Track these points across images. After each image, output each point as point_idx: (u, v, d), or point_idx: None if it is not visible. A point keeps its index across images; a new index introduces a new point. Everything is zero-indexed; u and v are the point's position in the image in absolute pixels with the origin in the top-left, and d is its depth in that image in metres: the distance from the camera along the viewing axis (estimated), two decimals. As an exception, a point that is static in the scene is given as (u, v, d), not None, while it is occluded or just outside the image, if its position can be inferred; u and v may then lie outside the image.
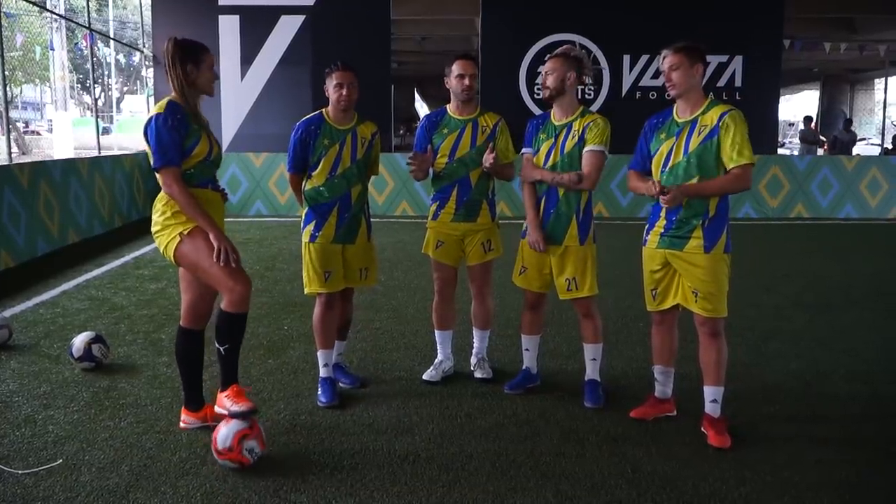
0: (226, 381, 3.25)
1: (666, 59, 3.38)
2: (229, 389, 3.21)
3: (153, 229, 3.31)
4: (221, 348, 3.23)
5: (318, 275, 3.89)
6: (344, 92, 3.80)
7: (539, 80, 3.74)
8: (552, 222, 3.79)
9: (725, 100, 11.25)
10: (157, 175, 3.20)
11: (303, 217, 3.98)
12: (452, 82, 4.00)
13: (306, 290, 3.97)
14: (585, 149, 3.72)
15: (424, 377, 4.19)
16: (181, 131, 3.18)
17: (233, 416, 3.12)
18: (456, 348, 4.40)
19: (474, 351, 4.32)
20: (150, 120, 3.19)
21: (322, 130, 3.84)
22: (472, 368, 4.29)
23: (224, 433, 3.08)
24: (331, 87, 3.82)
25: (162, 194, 3.28)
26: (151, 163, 3.21)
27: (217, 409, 3.24)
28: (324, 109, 3.92)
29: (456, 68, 3.97)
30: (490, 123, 4.05)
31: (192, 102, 3.26)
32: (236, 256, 3.16)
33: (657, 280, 3.55)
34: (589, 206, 3.83)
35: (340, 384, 4.06)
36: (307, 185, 3.93)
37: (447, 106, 4.12)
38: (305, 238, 3.93)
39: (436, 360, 4.28)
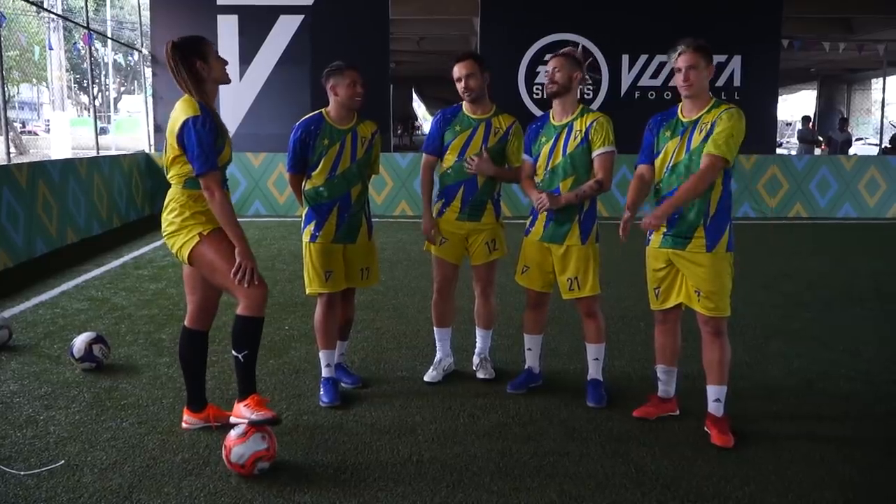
0: (245, 390, 3.16)
1: (683, 57, 3.33)
2: (249, 399, 3.12)
3: (168, 229, 3.22)
4: (240, 356, 3.14)
5: (319, 275, 3.88)
6: (359, 89, 3.80)
7: (545, 76, 3.71)
8: (554, 222, 3.79)
9: (725, 99, 11.28)
10: (202, 179, 3.07)
11: (303, 217, 3.97)
12: (457, 85, 3.97)
13: (307, 291, 3.95)
14: (595, 152, 3.71)
15: (426, 378, 4.18)
16: (215, 133, 3.10)
17: (253, 424, 3.04)
18: (458, 348, 4.40)
19: (477, 351, 4.31)
20: (186, 122, 3.05)
21: (322, 130, 3.82)
22: (474, 368, 4.28)
23: (240, 450, 2.99)
24: (343, 85, 3.78)
25: (175, 193, 3.20)
26: (194, 168, 3.05)
27: (233, 419, 3.14)
28: (324, 109, 3.90)
29: (454, 72, 3.95)
30: (504, 125, 4.02)
31: (211, 100, 3.18)
32: (255, 277, 3.09)
33: (660, 279, 3.55)
34: (592, 206, 3.83)
35: (342, 384, 4.05)
36: (307, 186, 3.92)
37: (462, 103, 4.07)
38: (306, 238, 3.92)
39: (435, 359, 4.26)
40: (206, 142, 3.05)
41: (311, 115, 3.91)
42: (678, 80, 3.37)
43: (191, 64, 3.12)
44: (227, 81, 3.27)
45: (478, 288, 4.22)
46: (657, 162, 3.50)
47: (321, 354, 4.00)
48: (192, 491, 2.94)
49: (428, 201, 4.10)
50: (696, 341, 3.65)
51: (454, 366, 4.31)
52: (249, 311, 3.12)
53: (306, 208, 3.94)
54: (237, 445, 3.01)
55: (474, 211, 4.03)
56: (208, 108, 3.13)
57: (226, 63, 3.26)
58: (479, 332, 4.29)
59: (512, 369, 4.31)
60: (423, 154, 4.12)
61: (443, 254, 4.11)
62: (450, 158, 4.03)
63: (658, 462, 3.23)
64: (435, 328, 4.27)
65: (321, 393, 3.93)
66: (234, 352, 3.17)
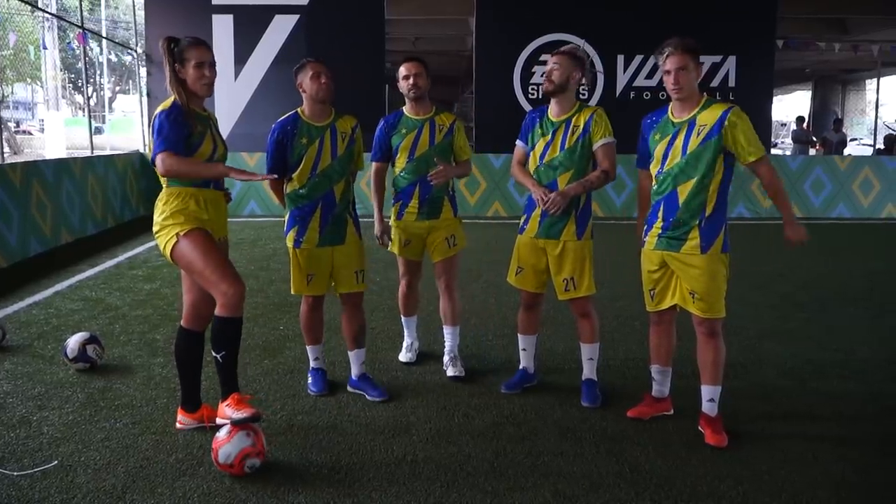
0: (226, 390, 3.19)
1: (671, 59, 3.31)
2: (230, 398, 3.14)
3: (154, 229, 3.28)
4: (218, 356, 3.17)
5: (302, 277, 3.90)
6: (322, 80, 3.76)
7: (543, 73, 3.86)
8: (550, 217, 3.78)
9: (720, 98, 11.32)
10: (156, 163, 3.11)
11: (285, 220, 3.94)
12: (401, 84, 4.15)
13: (292, 290, 4.00)
14: (597, 144, 3.74)
15: (402, 359, 4.48)
16: (185, 127, 3.14)
17: (235, 423, 3.05)
18: (463, 352, 4.40)
19: (447, 349, 4.35)
20: (156, 115, 3.18)
21: (298, 130, 3.78)
22: (443, 367, 4.30)
23: (227, 450, 2.99)
24: (307, 78, 3.76)
25: (162, 194, 3.25)
26: (152, 157, 3.15)
27: (219, 419, 3.15)
28: (299, 109, 3.87)
29: (401, 70, 4.14)
30: (447, 122, 4.22)
31: (189, 102, 3.20)
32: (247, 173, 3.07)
33: (655, 280, 3.55)
34: (588, 201, 3.84)
35: (368, 397, 3.93)
36: (288, 188, 3.88)
37: (403, 108, 4.25)
38: (290, 244, 3.90)
39: (407, 343, 4.55)
40: (166, 128, 3.10)
41: (286, 115, 3.87)
42: (668, 83, 3.36)
43: (171, 64, 3.20)
44: (200, 93, 3.25)
45: (441, 284, 4.31)
46: (651, 166, 3.50)
47: (309, 350, 4.07)
48: (186, 491, 2.93)
49: (379, 207, 4.30)
50: (691, 341, 3.65)
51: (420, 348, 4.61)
52: (226, 310, 3.12)
53: (288, 212, 3.91)
54: (223, 446, 3.01)
55: (432, 209, 4.19)
56: (183, 107, 3.16)
57: (204, 75, 3.21)
58: (446, 330, 4.34)
59: (507, 369, 4.31)
60: (372, 163, 4.27)
61: (409, 254, 4.31)
62: (401, 161, 4.18)
63: (652, 461, 3.24)
64: (403, 317, 4.54)
65: (310, 382, 4.02)
66: (213, 352, 3.19)
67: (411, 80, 4.10)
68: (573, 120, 3.77)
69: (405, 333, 4.56)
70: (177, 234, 3.17)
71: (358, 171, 4.07)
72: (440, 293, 4.35)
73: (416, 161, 4.14)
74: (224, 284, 3.11)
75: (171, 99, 3.20)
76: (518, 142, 3.97)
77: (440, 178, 4.08)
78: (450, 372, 4.23)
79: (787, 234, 3.40)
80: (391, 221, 4.30)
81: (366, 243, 4.08)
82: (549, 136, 3.79)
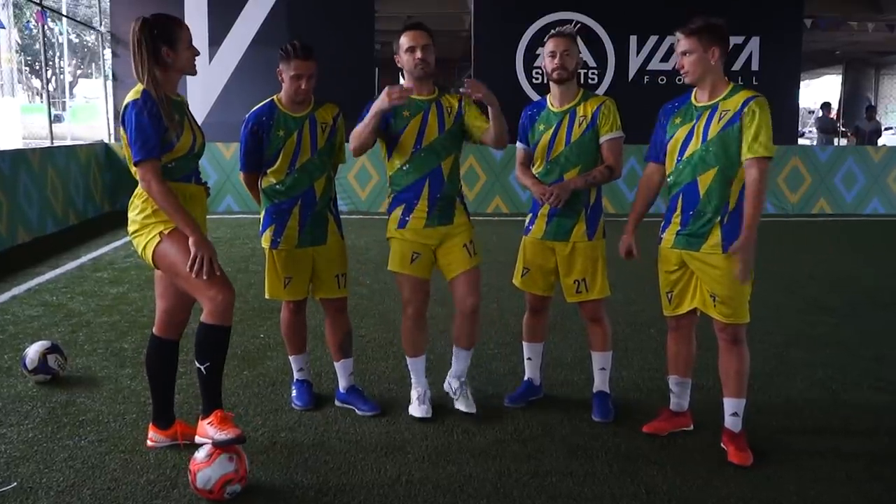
0: (208, 406, 3.16)
1: (678, 42, 3.39)
2: (212, 415, 3.12)
3: (130, 229, 3.24)
4: (202, 367, 3.15)
5: (279, 280, 3.87)
6: (303, 85, 3.66)
7: (547, 58, 3.71)
8: (558, 217, 3.80)
9: (744, 84, 11.33)
10: (136, 169, 3.09)
11: (260, 218, 3.91)
12: (403, 58, 3.73)
13: (266, 295, 3.96)
14: (603, 138, 3.76)
15: (418, 415, 3.84)
16: (159, 122, 3.10)
17: (217, 445, 3.03)
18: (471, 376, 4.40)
19: (455, 373, 3.97)
20: (126, 107, 3.11)
21: (275, 121, 3.74)
22: (453, 396, 3.96)
23: (207, 474, 2.98)
24: (287, 76, 3.69)
25: (139, 189, 3.21)
26: (131, 156, 3.10)
27: (198, 438, 3.13)
28: (275, 96, 3.82)
29: (404, 41, 3.71)
30: (454, 103, 3.82)
31: (168, 90, 3.17)
32: (215, 267, 3.08)
33: (673, 282, 3.57)
34: (599, 198, 3.86)
35: (358, 411, 3.92)
36: (263, 183, 3.86)
37: None
38: (266, 244, 3.87)
39: (419, 393, 3.91)
40: (146, 127, 3.05)
41: (261, 104, 3.81)
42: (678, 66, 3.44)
43: (156, 49, 3.12)
44: (193, 73, 3.27)
45: (466, 306, 3.82)
46: (668, 149, 3.51)
47: (292, 360, 4.08)
48: (159, 516, 2.94)
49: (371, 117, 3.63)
50: (711, 350, 3.67)
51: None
52: (213, 318, 3.10)
53: (264, 208, 3.89)
54: (203, 469, 3.00)
55: (445, 212, 3.79)
56: (156, 96, 3.11)
57: (197, 53, 3.25)
58: (459, 353, 3.96)
59: (510, 381, 4.32)
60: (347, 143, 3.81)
61: (417, 271, 3.82)
62: (403, 153, 3.76)
63: (670, 482, 3.25)
64: (409, 359, 3.97)
65: (294, 395, 4.02)
66: (196, 362, 3.18)
67: (419, 54, 3.67)
68: (578, 110, 3.79)
69: (413, 379, 3.97)
70: (160, 234, 3.13)
71: (340, 165, 4.03)
72: (459, 315, 3.87)
73: (423, 151, 3.74)
74: (213, 290, 3.09)
75: (141, 87, 3.13)
76: (518, 143, 3.97)
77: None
78: (461, 406, 3.92)
79: (735, 247, 3.29)
80: (390, 232, 3.85)
81: (349, 244, 4.07)
82: (554, 128, 3.80)
